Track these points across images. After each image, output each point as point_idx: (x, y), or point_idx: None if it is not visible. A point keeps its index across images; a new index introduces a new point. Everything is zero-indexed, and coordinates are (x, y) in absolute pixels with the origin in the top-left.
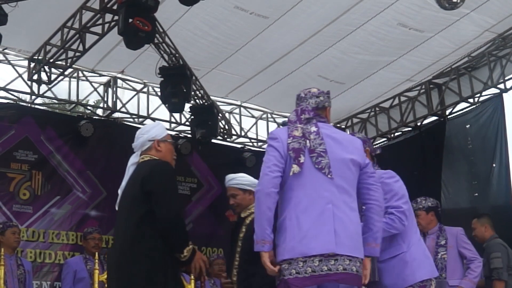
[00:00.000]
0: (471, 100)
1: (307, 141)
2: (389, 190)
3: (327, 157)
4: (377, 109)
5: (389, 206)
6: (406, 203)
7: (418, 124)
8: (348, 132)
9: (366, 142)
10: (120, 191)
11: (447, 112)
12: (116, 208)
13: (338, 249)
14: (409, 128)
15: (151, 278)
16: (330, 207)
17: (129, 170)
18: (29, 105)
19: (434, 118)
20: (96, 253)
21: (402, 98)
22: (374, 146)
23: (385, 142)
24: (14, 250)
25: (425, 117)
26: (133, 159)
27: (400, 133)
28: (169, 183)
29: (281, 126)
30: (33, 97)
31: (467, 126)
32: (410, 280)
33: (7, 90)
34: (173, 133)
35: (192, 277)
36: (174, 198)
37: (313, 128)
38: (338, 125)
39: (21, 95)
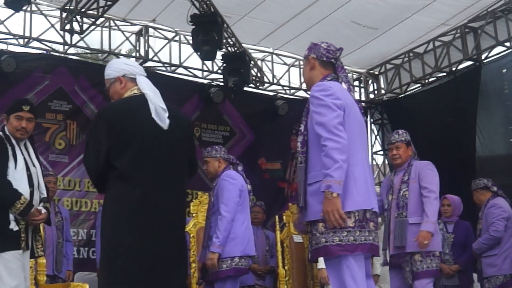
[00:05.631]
0: (507, 44)
1: None
2: None
3: None
4: (411, 54)
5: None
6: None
7: (453, 69)
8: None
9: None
10: (158, 118)
11: (483, 56)
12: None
13: None
14: (444, 74)
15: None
16: None
17: (157, 93)
18: (62, 55)
19: (469, 63)
20: None
21: (437, 43)
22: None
23: (419, 88)
24: (50, 198)
25: (460, 62)
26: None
27: (435, 78)
28: None
29: None
30: (66, 47)
31: (504, 70)
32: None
33: (40, 41)
34: (205, 81)
35: None
36: None
37: None
38: (371, 71)
39: (54, 46)
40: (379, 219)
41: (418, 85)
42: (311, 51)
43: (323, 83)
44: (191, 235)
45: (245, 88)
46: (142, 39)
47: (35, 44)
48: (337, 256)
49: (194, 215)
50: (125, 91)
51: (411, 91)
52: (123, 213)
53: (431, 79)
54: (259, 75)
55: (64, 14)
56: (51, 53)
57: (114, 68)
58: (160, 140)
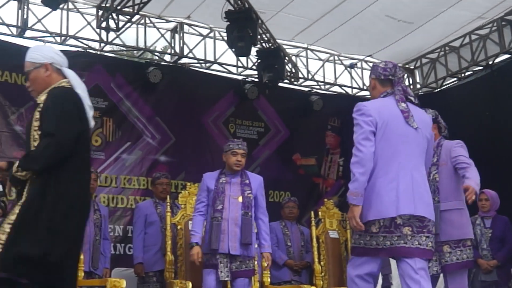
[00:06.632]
0: None
1: None
2: None
3: None
4: (447, 48)
5: None
6: None
7: (490, 62)
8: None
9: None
10: (90, 116)
11: None
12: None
13: None
14: (481, 67)
15: None
16: None
17: (85, 90)
18: (98, 52)
19: (506, 56)
20: (168, 197)
21: (473, 37)
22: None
23: (455, 82)
24: (91, 196)
25: (497, 56)
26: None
27: (471, 72)
28: None
29: (348, 69)
30: (102, 44)
31: None
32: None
33: (76, 38)
34: (240, 77)
35: None
36: None
37: None
38: (407, 65)
39: (90, 43)
40: None
41: (454, 79)
42: (372, 73)
43: (359, 104)
44: (179, 226)
45: (280, 84)
46: (177, 36)
47: (71, 42)
48: (361, 257)
49: (182, 206)
50: (51, 81)
51: (447, 85)
52: (79, 200)
53: (467, 73)
54: (293, 70)
55: (100, 12)
56: (88, 50)
57: (43, 54)
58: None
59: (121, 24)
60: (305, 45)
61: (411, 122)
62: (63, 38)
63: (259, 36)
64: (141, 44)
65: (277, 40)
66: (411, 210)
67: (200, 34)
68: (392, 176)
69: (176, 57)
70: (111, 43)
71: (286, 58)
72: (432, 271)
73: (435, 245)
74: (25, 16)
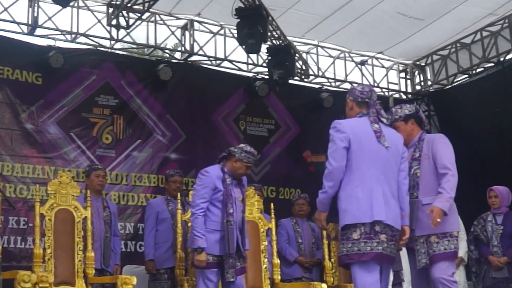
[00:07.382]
0: None
1: None
2: None
3: None
4: (458, 45)
5: None
6: None
7: (501, 59)
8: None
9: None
10: None
11: None
12: None
13: None
14: (492, 64)
15: None
16: None
17: None
18: (108, 50)
19: None
20: (178, 194)
21: (484, 33)
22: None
23: (467, 79)
24: (99, 192)
25: (508, 52)
26: None
27: (482, 69)
28: None
29: (359, 66)
30: (112, 42)
31: None
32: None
33: (87, 36)
34: (250, 74)
35: None
36: None
37: None
38: (418, 62)
39: (100, 41)
40: None
41: (466, 76)
42: (349, 94)
43: (335, 121)
44: (190, 224)
45: (290, 81)
46: (187, 33)
47: (82, 39)
48: (348, 264)
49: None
50: None
51: (458, 82)
52: None
53: (478, 70)
54: (304, 67)
55: (111, 10)
56: (98, 48)
57: None
58: None
59: (131, 21)
60: (315, 42)
61: (382, 141)
62: (73, 36)
63: (269, 33)
64: (151, 42)
65: (288, 37)
66: (383, 217)
67: (211, 32)
68: (368, 186)
69: (187, 54)
70: (121, 40)
71: (297, 55)
72: (421, 264)
73: (416, 240)
74: (35, 14)
